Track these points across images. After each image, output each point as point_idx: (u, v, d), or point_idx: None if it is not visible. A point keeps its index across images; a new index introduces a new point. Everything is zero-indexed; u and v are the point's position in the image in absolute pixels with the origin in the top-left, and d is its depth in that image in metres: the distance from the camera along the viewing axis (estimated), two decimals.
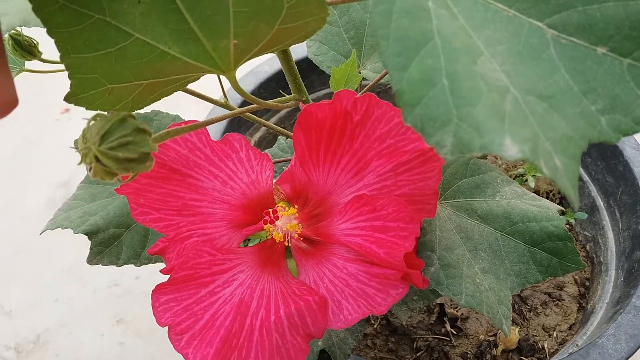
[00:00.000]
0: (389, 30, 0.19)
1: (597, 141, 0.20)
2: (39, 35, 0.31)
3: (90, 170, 0.19)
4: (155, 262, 0.35)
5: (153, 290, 0.29)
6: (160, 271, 0.30)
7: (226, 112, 0.49)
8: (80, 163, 0.19)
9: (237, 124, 0.52)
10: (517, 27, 0.21)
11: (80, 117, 0.93)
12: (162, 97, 0.26)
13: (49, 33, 0.19)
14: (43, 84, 0.95)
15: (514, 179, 0.59)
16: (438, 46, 0.19)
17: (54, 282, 0.71)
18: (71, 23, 0.19)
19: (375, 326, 0.47)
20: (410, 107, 0.19)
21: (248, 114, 0.39)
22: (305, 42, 0.44)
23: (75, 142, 0.38)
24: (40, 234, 0.35)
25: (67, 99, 0.21)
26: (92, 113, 0.22)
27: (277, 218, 0.31)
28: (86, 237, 0.62)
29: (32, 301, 0.70)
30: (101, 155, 0.19)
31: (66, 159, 0.87)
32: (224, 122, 0.49)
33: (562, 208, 0.35)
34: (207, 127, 0.31)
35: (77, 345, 0.66)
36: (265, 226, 0.32)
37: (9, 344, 0.66)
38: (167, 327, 0.29)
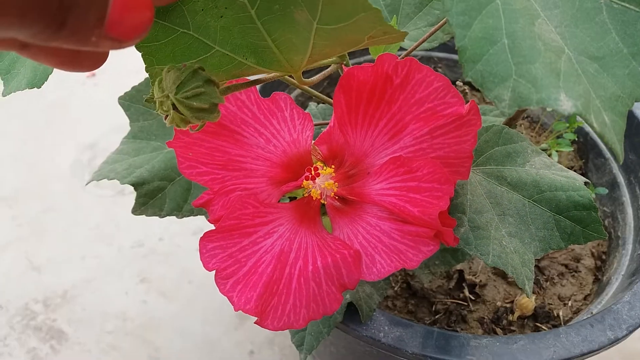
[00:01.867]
0: None
1: None
2: None
3: (166, 117, 0.21)
4: (196, 214, 0.37)
5: (201, 238, 0.30)
6: (208, 220, 0.32)
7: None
8: (157, 110, 0.21)
9: (269, 87, 0.53)
10: None
11: (106, 82, 0.94)
12: None
13: (137, 47, 0.20)
14: None
15: None
16: (499, 7, 0.20)
17: (81, 240, 0.74)
18: (158, 37, 0.20)
19: (395, 289, 0.49)
20: (471, 63, 0.20)
21: (286, 77, 0.40)
22: None
23: (120, 97, 0.39)
24: (86, 184, 0.37)
25: (146, 103, 0.23)
26: (118, 82, 0.24)
27: (317, 175, 0.32)
28: (113, 198, 0.64)
29: (60, 257, 0.72)
30: (178, 103, 0.20)
31: (92, 121, 0.88)
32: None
33: (587, 180, 0.36)
34: None
35: (102, 301, 0.69)
36: (304, 182, 0.33)
37: (37, 298, 0.69)
38: (193, 285, 0.31)
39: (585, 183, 0.37)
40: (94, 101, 0.92)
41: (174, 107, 0.21)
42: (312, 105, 0.48)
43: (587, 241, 0.34)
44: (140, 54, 0.21)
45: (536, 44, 0.20)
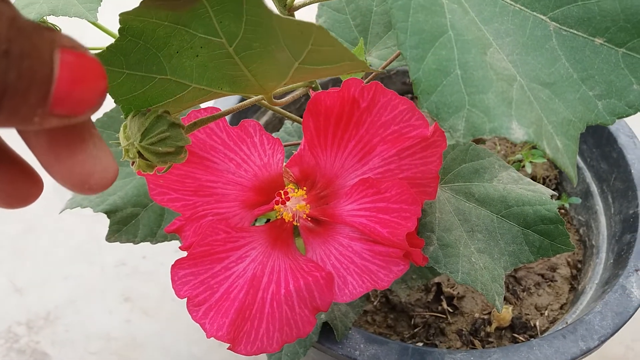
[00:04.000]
0: (407, 24, 0.20)
1: (595, 124, 0.22)
2: (61, 21, 0.32)
3: (132, 164, 0.21)
4: (170, 240, 0.37)
5: (172, 265, 0.31)
6: (179, 247, 0.32)
7: (236, 97, 0.50)
8: (123, 159, 0.21)
9: (245, 108, 0.53)
10: (522, 20, 0.22)
11: None
12: None
13: (116, 102, 0.21)
14: None
15: (512, 164, 0.61)
16: (452, 38, 0.21)
17: (63, 260, 0.73)
18: (135, 88, 0.20)
19: (375, 303, 0.49)
20: (426, 94, 0.20)
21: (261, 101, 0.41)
22: None
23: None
24: (60, 212, 0.37)
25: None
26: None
27: (288, 199, 0.33)
28: (95, 217, 0.64)
29: (43, 278, 0.72)
30: (143, 150, 0.20)
31: None
32: (235, 99, 0.51)
33: (555, 193, 0.37)
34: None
35: (86, 321, 0.68)
36: (276, 206, 0.33)
37: (20, 320, 0.68)
38: (177, 303, 0.31)
39: (556, 197, 0.38)
40: None
41: (140, 154, 0.21)
42: (288, 123, 0.48)
43: (556, 254, 0.35)
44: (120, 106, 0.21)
45: (488, 73, 0.21)
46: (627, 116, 0.21)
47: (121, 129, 0.21)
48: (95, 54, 0.18)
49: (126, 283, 0.71)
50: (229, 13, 0.18)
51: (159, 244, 0.70)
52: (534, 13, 0.22)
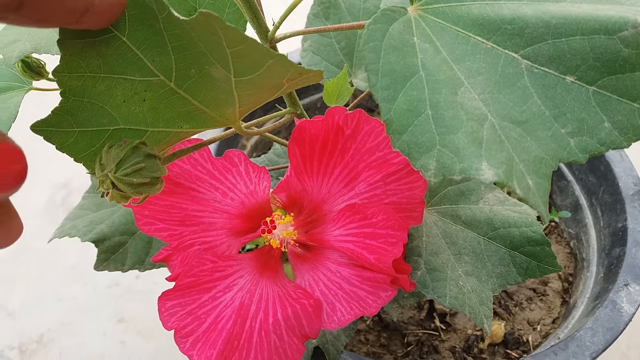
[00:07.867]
0: (379, 66, 0.21)
1: (567, 161, 0.22)
2: (45, 56, 0.32)
3: (107, 195, 0.21)
4: (159, 267, 0.37)
5: (159, 297, 0.31)
6: (166, 279, 0.32)
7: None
8: (97, 189, 0.21)
9: (231, 138, 0.53)
10: (494, 59, 0.22)
11: None
12: None
13: (77, 160, 0.21)
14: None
15: None
16: (423, 79, 0.21)
17: (56, 282, 0.73)
18: (92, 143, 0.21)
19: (368, 323, 0.49)
20: (398, 134, 0.21)
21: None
22: (299, 52, 0.45)
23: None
24: (48, 242, 0.37)
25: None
26: None
27: (274, 227, 0.33)
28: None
29: (35, 301, 0.71)
30: (117, 181, 0.20)
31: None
32: (220, 130, 0.51)
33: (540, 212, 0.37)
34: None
35: (79, 344, 0.68)
36: (262, 235, 0.33)
37: (12, 344, 0.68)
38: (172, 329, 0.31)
39: (541, 219, 0.38)
40: None
41: (114, 185, 0.21)
42: (277, 145, 0.49)
43: (544, 274, 0.35)
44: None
45: (458, 113, 0.21)
46: (599, 154, 0.21)
47: (97, 161, 0.22)
48: (41, 120, 0.18)
49: (120, 304, 0.71)
50: (156, 48, 0.18)
51: (155, 269, 0.69)
52: (506, 51, 0.22)
